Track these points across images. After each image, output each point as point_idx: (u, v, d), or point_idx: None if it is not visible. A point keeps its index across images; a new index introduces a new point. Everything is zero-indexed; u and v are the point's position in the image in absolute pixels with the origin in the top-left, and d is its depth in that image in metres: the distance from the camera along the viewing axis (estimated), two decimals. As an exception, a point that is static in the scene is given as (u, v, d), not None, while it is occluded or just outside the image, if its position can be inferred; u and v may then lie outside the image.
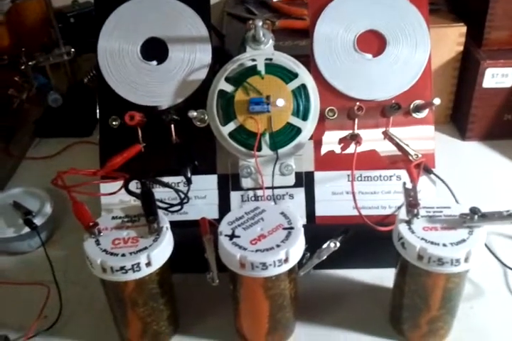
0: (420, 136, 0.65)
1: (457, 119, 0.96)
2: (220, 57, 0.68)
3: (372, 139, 0.65)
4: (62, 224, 0.80)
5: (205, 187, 0.66)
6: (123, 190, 0.61)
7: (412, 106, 0.65)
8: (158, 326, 0.60)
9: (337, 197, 0.66)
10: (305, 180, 0.66)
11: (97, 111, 0.67)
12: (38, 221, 0.73)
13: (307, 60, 0.66)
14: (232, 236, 0.54)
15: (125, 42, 0.67)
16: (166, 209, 0.64)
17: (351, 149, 0.65)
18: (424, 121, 0.66)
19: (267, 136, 0.62)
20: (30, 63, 0.92)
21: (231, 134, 0.62)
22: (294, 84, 0.62)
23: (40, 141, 1.00)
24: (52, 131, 1.00)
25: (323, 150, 0.66)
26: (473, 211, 0.53)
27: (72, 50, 0.94)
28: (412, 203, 0.54)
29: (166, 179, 0.66)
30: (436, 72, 0.88)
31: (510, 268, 0.68)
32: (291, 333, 0.62)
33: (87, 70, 0.96)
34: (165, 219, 0.57)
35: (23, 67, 0.92)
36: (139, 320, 0.59)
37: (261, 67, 0.61)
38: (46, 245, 0.74)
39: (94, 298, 0.66)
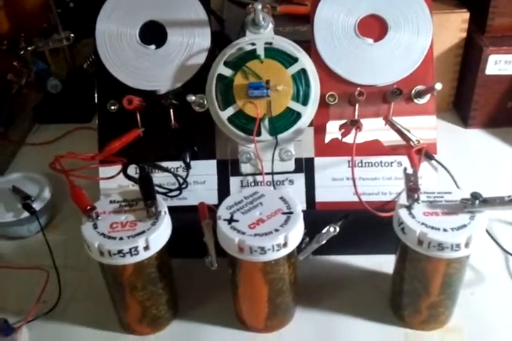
0: (422, 126, 0.65)
1: (459, 107, 0.95)
2: (220, 42, 0.67)
3: (373, 125, 0.65)
4: (62, 209, 0.80)
5: (204, 172, 0.66)
6: (122, 175, 0.61)
7: (413, 91, 0.65)
8: (157, 310, 0.60)
9: (337, 183, 0.66)
10: (305, 166, 0.65)
11: (95, 95, 0.67)
12: (36, 205, 0.73)
13: (308, 45, 0.65)
14: (230, 221, 0.53)
15: (123, 25, 0.66)
16: (164, 194, 0.64)
17: (352, 135, 0.64)
18: (425, 110, 0.65)
19: (266, 121, 0.61)
20: (29, 48, 0.91)
21: (230, 119, 0.62)
22: (294, 68, 0.61)
23: (40, 127, 1.00)
24: (52, 117, 1.00)
25: (324, 136, 0.65)
26: (475, 196, 0.52)
27: (72, 35, 0.93)
28: (412, 188, 0.54)
29: (164, 164, 0.65)
30: (438, 59, 0.87)
31: (511, 254, 0.68)
32: (291, 318, 0.62)
33: (86, 56, 0.96)
34: (163, 204, 0.56)
35: (22, 53, 0.91)
36: (137, 303, 0.59)
37: (260, 51, 0.61)
38: (46, 230, 0.74)
39: (93, 282, 0.66)
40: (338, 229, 0.57)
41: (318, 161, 0.65)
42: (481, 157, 0.86)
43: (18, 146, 0.94)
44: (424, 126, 0.65)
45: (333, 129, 0.65)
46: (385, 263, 0.66)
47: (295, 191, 0.65)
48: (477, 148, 0.88)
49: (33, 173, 0.79)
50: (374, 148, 0.65)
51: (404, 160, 0.64)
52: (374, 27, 0.65)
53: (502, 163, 0.84)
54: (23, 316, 0.63)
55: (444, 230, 0.51)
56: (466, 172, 0.73)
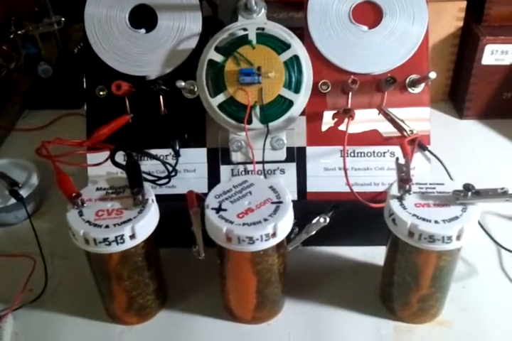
0: (416, 117, 0.64)
1: (455, 97, 0.95)
2: (213, 27, 0.66)
3: (366, 114, 0.64)
4: (50, 197, 0.79)
5: (194, 160, 0.65)
6: (110, 162, 0.60)
7: (407, 80, 0.64)
8: (144, 300, 0.59)
9: (329, 172, 0.65)
10: (297, 155, 0.65)
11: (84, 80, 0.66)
12: (24, 192, 0.72)
13: (302, 32, 0.64)
14: (219, 210, 0.52)
15: (113, 8, 0.65)
16: (153, 182, 0.63)
17: (344, 124, 0.63)
18: (420, 100, 0.64)
19: (257, 109, 0.60)
20: (19, 32, 0.90)
21: (221, 106, 0.60)
22: (287, 55, 0.60)
23: (30, 113, 0.98)
24: (42, 102, 0.98)
25: (316, 125, 0.64)
26: (467, 188, 0.51)
27: (63, 19, 0.92)
28: (404, 179, 0.53)
29: (153, 151, 0.64)
30: (434, 48, 0.86)
31: (503, 247, 0.67)
32: (280, 309, 0.61)
33: (77, 40, 0.94)
34: (150, 191, 0.55)
35: (11, 36, 0.90)
36: (124, 293, 0.58)
37: (252, 37, 0.59)
38: (33, 217, 0.74)
39: (81, 270, 0.64)
40: (328, 219, 0.56)
41: (310, 150, 0.65)
42: (475, 148, 0.85)
43: (7, 132, 0.93)
44: (418, 117, 0.64)
45: (325, 118, 0.64)
46: (375, 254, 0.66)
47: (286, 180, 0.64)
48: (471, 139, 0.88)
49: (21, 159, 0.78)
50: (367, 137, 0.64)
51: (397, 150, 0.63)
52: (369, 14, 0.64)
53: (496, 154, 0.84)
54: (8, 304, 0.62)
55: (436, 222, 0.50)
56: (459, 163, 0.73)
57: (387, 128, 0.63)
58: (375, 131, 0.64)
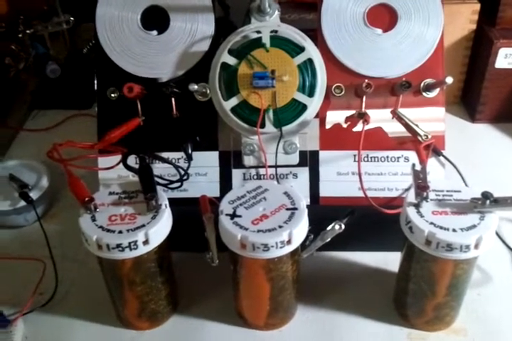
0: (430, 118, 0.63)
1: (467, 100, 0.94)
2: (225, 29, 0.65)
3: (380, 118, 0.63)
4: (61, 199, 0.79)
5: (206, 164, 0.64)
6: (121, 165, 0.59)
7: (422, 84, 0.63)
8: (156, 305, 0.59)
9: (342, 177, 0.64)
10: (310, 160, 0.64)
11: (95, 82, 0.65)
12: (34, 194, 0.72)
13: (314, 34, 0.63)
14: (233, 216, 0.52)
15: (125, 10, 0.64)
16: (165, 185, 0.62)
17: (358, 128, 0.62)
18: (434, 102, 0.64)
19: (270, 113, 0.59)
20: (28, 31, 0.89)
21: (233, 109, 0.60)
22: (301, 58, 0.59)
23: (39, 113, 0.98)
24: (51, 102, 0.98)
25: (329, 129, 0.64)
26: (485, 196, 0.50)
27: (72, 18, 0.91)
28: (421, 186, 0.52)
29: (165, 154, 0.64)
30: (447, 51, 0.84)
31: (518, 254, 0.66)
32: (293, 316, 0.61)
33: (86, 40, 0.94)
34: (164, 197, 0.55)
35: (20, 36, 0.89)
36: (136, 298, 0.57)
37: (266, 40, 0.59)
38: (43, 219, 0.73)
39: (91, 275, 0.64)
40: (343, 226, 0.56)
41: (324, 155, 0.64)
42: (488, 152, 0.84)
43: (16, 132, 0.93)
44: (433, 117, 0.63)
45: (339, 122, 0.63)
46: (388, 260, 0.65)
47: (299, 185, 0.63)
48: (484, 142, 0.87)
49: (31, 161, 0.78)
50: (381, 142, 0.63)
51: (411, 155, 0.63)
52: (383, 16, 0.63)
53: (509, 158, 0.83)
54: (18, 308, 0.61)
55: (454, 230, 0.49)
56: (472, 167, 0.72)
57: (401, 133, 0.62)
58: (388, 135, 0.63)
